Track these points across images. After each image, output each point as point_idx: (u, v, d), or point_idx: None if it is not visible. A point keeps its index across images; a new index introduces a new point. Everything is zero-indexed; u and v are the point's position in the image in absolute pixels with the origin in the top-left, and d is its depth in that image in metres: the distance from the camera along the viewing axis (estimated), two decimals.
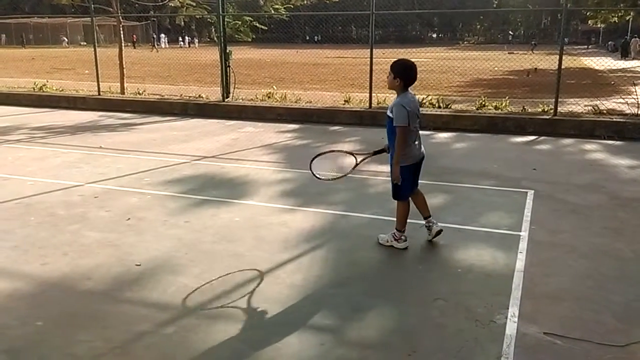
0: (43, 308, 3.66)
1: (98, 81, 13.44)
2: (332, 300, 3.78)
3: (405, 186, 4.52)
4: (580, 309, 3.65)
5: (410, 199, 4.68)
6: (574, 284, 4.03)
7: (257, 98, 12.98)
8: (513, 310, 3.60)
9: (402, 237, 4.59)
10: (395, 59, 4.44)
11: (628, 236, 4.97)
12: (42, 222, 5.26)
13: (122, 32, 13.90)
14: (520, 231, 5.03)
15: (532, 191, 6.24)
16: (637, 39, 35.16)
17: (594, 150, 8.57)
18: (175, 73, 22.32)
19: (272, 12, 12.91)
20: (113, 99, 13.20)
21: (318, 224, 5.27)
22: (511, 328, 3.39)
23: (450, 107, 11.35)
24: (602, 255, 4.54)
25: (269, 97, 12.97)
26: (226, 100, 12.41)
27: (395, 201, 4.66)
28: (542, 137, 9.47)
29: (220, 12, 11.86)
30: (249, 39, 13.18)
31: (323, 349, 3.19)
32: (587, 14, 29.68)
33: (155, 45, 47.30)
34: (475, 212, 5.60)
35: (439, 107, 11.36)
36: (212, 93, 13.52)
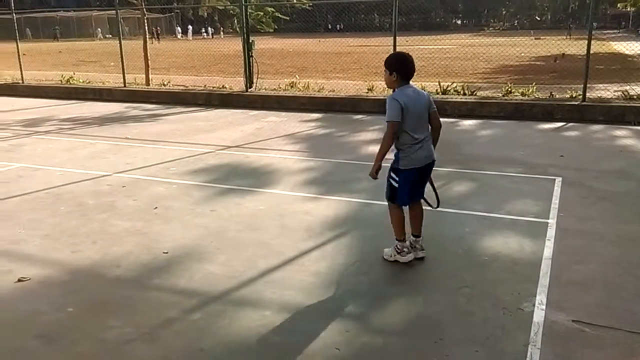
0: (74, 295, 3.74)
1: (124, 73, 13.61)
2: (357, 288, 3.79)
3: (402, 191, 4.01)
4: (609, 297, 3.59)
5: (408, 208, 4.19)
6: (603, 271, 3.96)
7: (280, 88, 12.98)
8: (541, 298, 3.56)
9: (405, 249, 4.09)
10: (390, 53, 4.18)
11: None
12: (72, 211, 5.36)
13: (146, 24, 14.01)
14: (548, 219, 4.96)
15: (560, 178, 6.14)
16: None
17: (623, 136, 8.38)
18: (199, 64, 22.48)
19: (295, 1, 12.78)
20: (138, 90, 13.36)
21: (341, 212, 5.28)
22: (539, 316, 3.35)
23: (475, 94, 11.20)
24: (631, 243, 4.45)
25: (292, 87, 12.97)
26: (249, 90, 12.45)
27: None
28: (570, 124, 9.30)
29: (243, 3, 11.87)
30: (271, 30, 13.17)
31: (348, 336, 3.20)
32: None
33: (178, 36, 47.69)
34: (501, 199, 5.53)
35: (464, 94, 11.22)
36: (235, 83, 13.58)
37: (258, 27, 13.35)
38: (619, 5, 33.79)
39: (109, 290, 3.83)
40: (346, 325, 3.32)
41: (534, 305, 3.48)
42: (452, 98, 10.80)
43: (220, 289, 3.78)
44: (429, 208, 4.27)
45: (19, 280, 3.91)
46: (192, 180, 6.37)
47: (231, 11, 13.82)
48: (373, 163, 3.96)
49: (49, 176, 6.56)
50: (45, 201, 5.68)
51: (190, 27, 45.69)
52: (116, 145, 8.24)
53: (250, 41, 12.19)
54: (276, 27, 13.79)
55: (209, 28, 51.51)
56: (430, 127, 4.03)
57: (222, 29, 53.24)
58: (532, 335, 3.15)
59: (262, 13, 13.24)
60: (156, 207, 5.45)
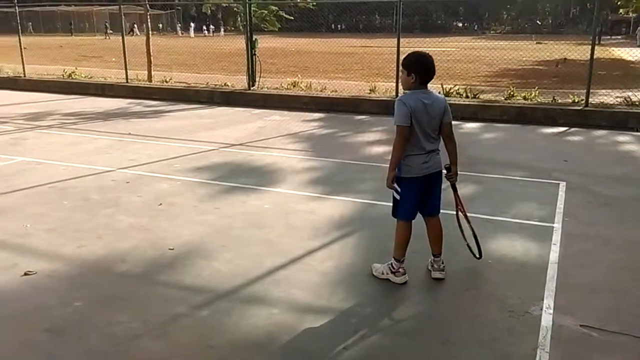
0: (81, 289, 3.73)
1: (126, 69, 13.60)
2: (365, 289, 3.79)
3: (405, 204, 3.77)
4: (617, 302, 3.60)
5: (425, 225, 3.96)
6: (610, 276, 3.97)
7: (282, 87, 12.99)
8: (548, 302, 3.56)
9: (401, 269, 3.80)
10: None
11: None
12: (76, 206, 5.36)
13: (148, 20, 13.98)
14: (554, 223, 4.97)
15: (564, 183, 6.15)
16: None
17: (627, 142, 8.40)
18: (200, 61, 22.44)
19: (299, 0, 12.79)
20: (140, 87, 13.34)
21: (347, 212, 5.28)
22: (547, 320, 3.36)
23: (478, 97, 11.21)
24: (637, 248, 4.46)
25: (294, 86, 12.97)
26: (252, 88, 12.44)
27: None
28: (574, 129, 9.31)
29: (247, 1, 11.86)
30: (275, 28, 13.17)
31: (356, 336, 3.20)
32: (618, 2, 29.00)
33: (180, 33, 47.60)
34: (506, 203, 5.54)
35: (467, 96, 11.23)
36: (237, 81, 13.58)
37: (262, 25, 13.28)
38: (620, 11, 33.86)
39: (116, 285, 3.82)
40: (355, 325, 3.32)
41: (541, 309, 3.49)
42: (454, 101, 10.79)
43: (227, 287, 3.78)
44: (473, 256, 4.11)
45: (26, 274, 3.91)
46: (196, 178, 6.36)
47: (235, 9, 13.67)
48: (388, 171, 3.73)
49: (53, 170, 6.55)
50: (49, 195, 5.66)
51: (192, 24, 45.71)
52: (120, 141, 8.23)
53: (254, 39, 12.18)
54: (279, 26, 13.71)
55: (210, 26, 51.46)
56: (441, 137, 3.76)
57: (222, 27, 53.24)
58: (540, 339, 3.16)
59: (266, 11, 13.17)
60: (161, 204, 5.44)
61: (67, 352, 3.06)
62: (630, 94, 10.88)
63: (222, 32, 52.46)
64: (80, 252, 4.31)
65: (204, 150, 7.71)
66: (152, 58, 13.82)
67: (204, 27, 52.22)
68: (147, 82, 13.72)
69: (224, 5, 13.92)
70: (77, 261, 4.16)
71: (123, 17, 14.38)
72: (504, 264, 4.15)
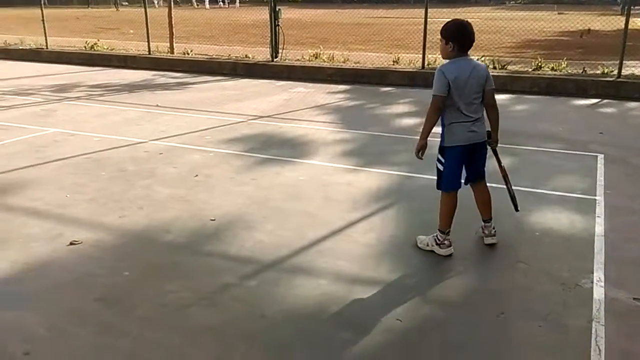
0: (128, 259, 3.76)
1: (148, 40, 13.50)
2: (411, 261, 3.77)
3: (449, 175, 3.74)
4: None
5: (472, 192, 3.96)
6: None
7: (303, 58, 12.85)
8: (598, 275, 3.52)
9: (446, 242, 3.77)
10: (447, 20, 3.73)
11: None
12: (114, 177, 5.37)
13: None
14: (596, 195, 4.89)
15: (602, 155, 6.03)
16: None
17: None
18: (217, 33, 22.25)
19: None
20: (163, 58, 13.27)
21: (383, 184, 5.23)
22: (599, 293, 3.32)
23: (505, 68, 11.00)
24: None
25: (316, 58, 12.82)
26: (275, 60, 12.31)
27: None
28: (606, 100, 9.12)
29: None
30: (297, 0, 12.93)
31: (408, 307, 3.19)
32: None
33: (195, 5, 47.15)
34: (545, 175, 5.45)
35: (494, 68, 11.02)
36: (258, 53, 13.45)
37: None
38: None
39: (162, 255, 3.84)
40: (405, 296, 3.31)
41: (592, 282, 3.44)
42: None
43: (272, 257, 3.78)
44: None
45: (72, 244, 3.93)
46: (228, 149, 6.34)
47: None
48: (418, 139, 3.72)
49: (86, 142, 6.56)
50: (86, 166, 5.68)
51: None
52: (148, 113, 8.21)
53: (277, 10, 12.00)
54: None
55: None
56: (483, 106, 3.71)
57: None
58: (594, 312, 3.12)
59: None
60: (196, 175, 5.44)
61: (120, 320, 3.08)
62: None
63: (237, 4, 51.92)
64: (123, 222, 4.33)
65: (232, 122, 7.67)
66: (173, 30, 13.68)
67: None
68: (169, 54, 13.63)
69: None
70: (120, 231, 4.18)
71: None
72: (550, 237, 4.09)
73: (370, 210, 4.61)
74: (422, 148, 3.70)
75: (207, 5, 46.35)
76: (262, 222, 4.35)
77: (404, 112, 8.41)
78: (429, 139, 3.70)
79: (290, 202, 4.78)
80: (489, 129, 3.83)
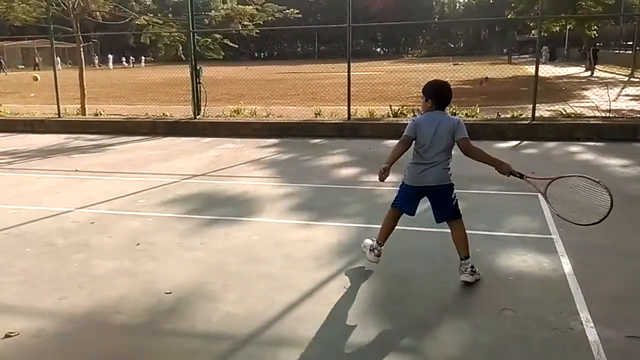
0: (80, 350, 3.23)
1: (58, 102, 12.71)
2: (396, 319, 3.54)
3: (398, 197, 4.15)
4: None
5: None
6: (631, 284, 3.95)
7: (224, 114, 12.65)
8: (585, 315, 3.46)
9: (376, 250, 4.15)
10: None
11: None
12: (41, 253, 4.76)
13: (82, 52, 13.24)
14: (551, 234, 4.96)
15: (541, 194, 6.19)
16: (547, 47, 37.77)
17: (580, 152, 8.73)
18: (128, 93, 21.56)
19: (241, 28, 12.55)
20: (75, 121, 12.51)
21: (342, 238, 5.02)
22: (592, 334, 3.25)
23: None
24: None
25: (238, 113, 12.68)
26: (197, 117, 11.97)
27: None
28: (525, 142, 9.59)
29: (191, 29, 11.47)
30: (220, 57, 12.83)
31: None
32: (531, 24, 30.94)
33: (97, 65, 45.91)
34: (497, 217, 5.50)
35: (414, 115, 11.34)
36: (174, 111, 13.11)
37: (206, 54, 12.90)
38: (532, 31, 36.18)
39: (119, 340, 3.34)
40: (404, 359, 3.05)
41: (581, 323, 3.38)
42: (405, 120, 10.90)
43: (246, 331, 3.40)
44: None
45: (7, 336, 3.34)
46: (167, 213, 5.89)
47: (178, 37, 13.12)
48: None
49: (2, 215, 5.85)
50: (6, 243, 5.02)
51: (110, 55, 44.25)
52: (68, 179, 7.55)
53: (198, 68, 11.77)
54: (223, 54, 13.40)
55: (130, 57, 50.09)
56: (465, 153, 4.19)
57: (143, 57, 51.94)
58: (595, 355, 3.03)
59: (210, 40, 12.79)
60: (138, 244, 4.95)
61: None
62: (558, 106, 11.47)
63: (142, 63, 51.21)
64: (64, 306, 3.78)
65: (164, 183, 7.21)
66: (84, 91, 13.02)
67: (123, 59, 50.76)
68: (81, 116, 12.90)
69: (165, 34, 13.24)
70: (63, 316, 3.63)
71: (54, 50, 13.50)
72: (524, 280, 4.04)
73: (337, 267, 4.36)
74: (384, 171, 3.86)
75: (111, 65, 45.41)
76: (224, 291, 3.97)
77: (341, 162, 8.34)
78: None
79: (248, 266, 4.43)
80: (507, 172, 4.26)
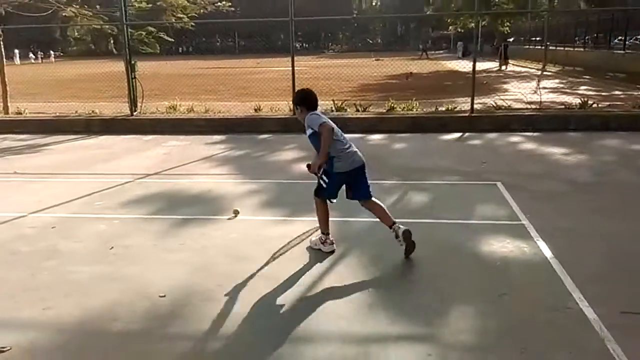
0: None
1: None
2: (405, 307, 3.59)
3: (331, 188, 4.40)
4: (633, 287, 3.82)
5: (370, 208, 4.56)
6: (610, 263, 4.22)
7: (159, 110, 12.20)
8: (577, 295, 3.67)
9: (328, 240, 4.52)
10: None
11: (613, 216, 5.32)
12: (7, 262, 4.41)
13: (2, 47, 12.28)
14: (520, 220, 5.19)
15: (499, 182, 6.49)
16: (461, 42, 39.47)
17: (521, 142, 9.20)
18: (44, 90, 20.25)
19: (175, 21, 12.14)
20: None
21: None
22: (590, 312, 3.44)
23: (367, 111, 11.52)
24: (612, 237, 4.74)
25: (174, 110, 12.26)
26: (134, 114, 11.47)
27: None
28: (467, 134, 9.97)
29: (124, 22, 10.94)
30: (157, 51, 12.34)
31: (435, 358, 2.99)
32: (448, 20, 32.20)
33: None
34: (465, 206, 5.68)
35: (357, 110, 11.50)
36: (104, 108, 12.50)
37: (140, 48, 12.36)
38: (450, 27, 37.58)
39: (122, 349, 3.17)
40: (424, 348, 3.11)
41: (576, 302, 3.58)
42: (349, 115, 11.03)
43: (260, 328, 3.35)
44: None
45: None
46: (132, 214, 5.62)
47: (110, 31, 12.48)
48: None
49: None
50: None
51: (17, 50, 41.32)
52: (8, 182, 7.03)
53: (133, 62, 11.26)
54: (159, 48, 12.91)
55: (39, 52, 47.10)
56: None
57: (52, 52, 49.02)
58: (599, 332, 3.22)
59: (144, 33, 12.26)
60: (112, 247, 4.70)
61: None
62: (486, 99, 12.09)
63: (52, 59, 48.29)
64: (51, 316, 3.52)
65: (118, 183, 6.86)
66: (6, 87, 12.11)
67: (31, 54, 47.60)
68: (4, 115, 11.99)
69: (97, 27, 12.49)
70: (53, 327, 3.39)
71: None
72: (512, 265, 4.22)
73: (329, 262, 4.35)
74: (320, 166, 4.27)
75: (18, 61, 42.38)
76: (220, 291, 3.86)
77: (296, 157, 8.30)
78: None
79: (237, 265, 4.32)
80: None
